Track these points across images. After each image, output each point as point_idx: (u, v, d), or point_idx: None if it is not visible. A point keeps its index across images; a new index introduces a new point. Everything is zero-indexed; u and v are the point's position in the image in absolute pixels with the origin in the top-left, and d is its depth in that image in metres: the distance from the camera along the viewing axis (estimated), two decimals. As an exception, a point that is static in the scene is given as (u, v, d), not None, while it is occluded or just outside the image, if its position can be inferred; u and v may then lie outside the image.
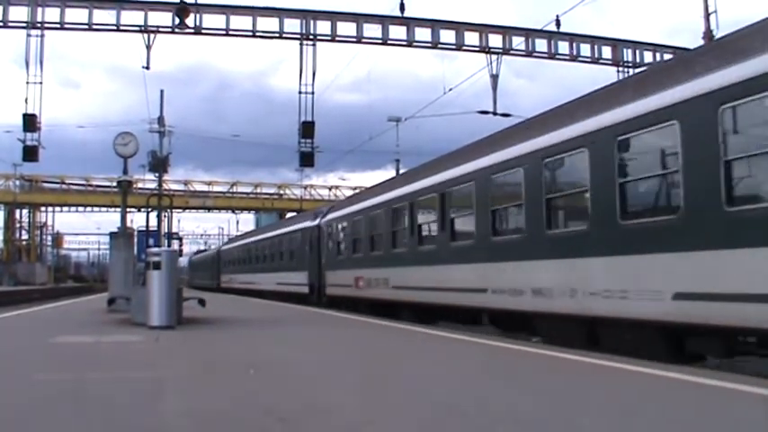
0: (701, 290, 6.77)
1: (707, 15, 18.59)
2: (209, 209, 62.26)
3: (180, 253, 30.58)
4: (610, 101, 8.49)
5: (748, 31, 7.10)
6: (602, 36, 29.60)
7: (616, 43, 29.26)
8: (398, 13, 25.61)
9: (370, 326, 12.07)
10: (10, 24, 24.86)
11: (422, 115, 28.33)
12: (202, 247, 78.18)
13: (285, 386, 5.36)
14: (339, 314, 15.96)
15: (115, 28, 25.22)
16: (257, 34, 26.32)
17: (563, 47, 28.26)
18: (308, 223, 24.27)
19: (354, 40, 26.67)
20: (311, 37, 26.24)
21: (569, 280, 8.98)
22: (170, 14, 24.81)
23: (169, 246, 19.48)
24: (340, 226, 19.96)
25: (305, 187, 59.73)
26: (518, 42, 27.33)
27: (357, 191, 40.04)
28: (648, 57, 29.34)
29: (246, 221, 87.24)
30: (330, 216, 21.41)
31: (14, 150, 35.86)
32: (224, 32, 26.04)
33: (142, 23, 24.90)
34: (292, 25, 26.50)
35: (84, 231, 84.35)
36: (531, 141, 10.06)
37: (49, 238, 71.15)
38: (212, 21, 25.92)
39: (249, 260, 35.02)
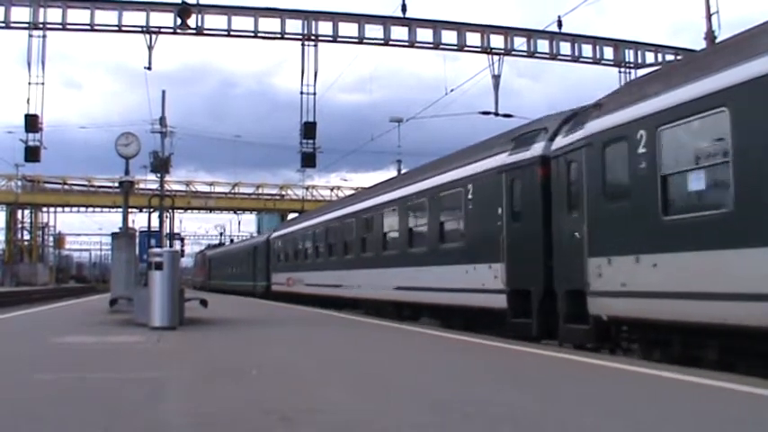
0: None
1: (709, 16, 18.55)
2: (210, 209, 62.33)
3: (182, 253, 29.51)
4: None
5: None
6: (603, 37, 29.59)
7: (618, 44, 29.22)
8: (400, 14, 25.61)
9: (371, 326, 12.07)
10: (12, 25, 24.89)
11: (424, 116, 27.99)
12: (202, 248, 76.01)
13: (287, 386, 5.37)
14: (341, 315, 15.95)
15: (117, 29, 25.23)
16: (259, 35, 26.32)
17: (565, 47, 28.23)
18: (497, 159, 11.32)
19: (356, 40, 26.68)
20: (313, 37, 26.24)
21: None
22: (172, 15, 24.83)
23: (171, 246, 19.47)
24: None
25: (307, 188, 59.83)
26: (520, 43, 27.31)
27: (358, 191, 36.71)
28: (650, 57, 29.32)
29: (248, 222, 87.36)
30: (598, 125, 8.74)
31: (16, 151, 35.99)
32: (226, 33, 26.05)
33: (144, 24, 24.92)
34: (294, 26, 26.52)
35: (85, 232, 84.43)
36: None
37: (51, 238, 71.24)
38: (214, 21, 25.93)
39: (334, 248, 21.01)
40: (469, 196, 12.16)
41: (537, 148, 10.37)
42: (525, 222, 10.47)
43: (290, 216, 50.27)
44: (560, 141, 9.85)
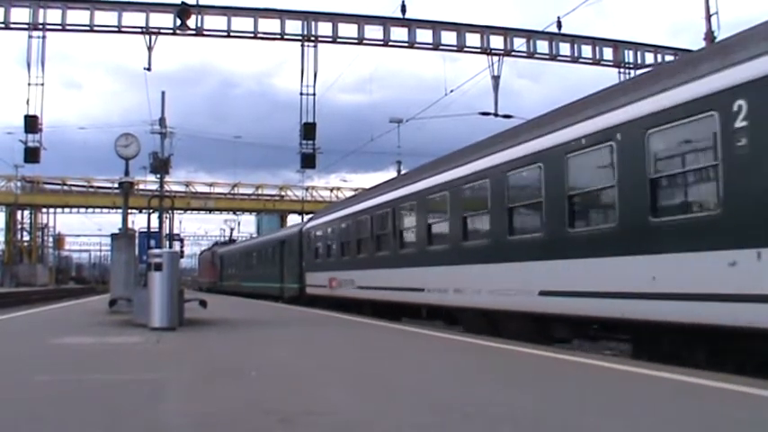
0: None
1: (708, 17, 18.59)
2: (210, 210, 62.35)
3: (181, 254, 28.84)
4: None
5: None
6: (603, 37, 29.63)
7: (617, 44, 29.27)
8: (400, 15, 25.66)
9: (370, 326, 12.07)
10: (12, 26, 24.92)
11: (424, 116, 27.85)
12: (202, 248, 75.15)
13: (287, 387, 5.36)
14: (342, 315, 15.94)
15: (117, 29, 25.27)
16: (259, 35, 26.36)
17: (564, 48, 28.28)
18: None
19: (356, 41, 26.71)
20: (312, 38, 26.26)
21: None
22: (171, 16, 24.85)
23: (170, 247, 19.44)
24: None
25: (306, 189, 59.84)
26: (519, 44, 27.35)
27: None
28: (650, 58, 29.36)
29: (248, 223, 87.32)
30: None
31: (16, 152, 36.01)
32: (225, 34, 26.09)
33: (143, 25, 24.95)
34: (294, 26, 26.56)
35: (85, 233, 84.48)
36: None
37: (51, 239, 71.22)
38: (214, 22, 25.98)
39: (408, 238, 14.86)
40: (737, 124, 6.50)
41: None
42: None
43: (291, 217, 50.03)
44: None
